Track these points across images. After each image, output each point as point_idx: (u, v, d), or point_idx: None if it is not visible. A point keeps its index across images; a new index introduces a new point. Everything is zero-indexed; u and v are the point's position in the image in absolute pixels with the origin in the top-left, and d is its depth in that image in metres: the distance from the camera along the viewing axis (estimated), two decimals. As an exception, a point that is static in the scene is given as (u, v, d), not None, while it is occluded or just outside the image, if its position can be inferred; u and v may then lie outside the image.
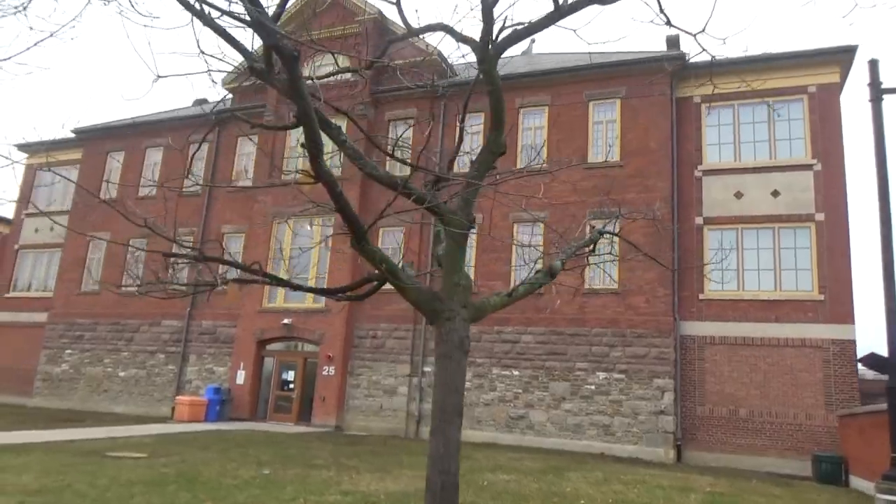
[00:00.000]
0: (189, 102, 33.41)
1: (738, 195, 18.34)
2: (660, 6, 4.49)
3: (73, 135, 27.88)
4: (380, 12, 22.62)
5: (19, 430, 14.31)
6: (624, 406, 17.40)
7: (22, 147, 29.99)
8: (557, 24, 4.64)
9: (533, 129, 20.67)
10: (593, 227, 6.97)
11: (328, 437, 16.52)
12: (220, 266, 6.24)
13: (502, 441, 18.04)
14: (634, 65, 19.46)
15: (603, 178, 19.17)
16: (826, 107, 18.07)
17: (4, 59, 7.74)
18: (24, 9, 5.36)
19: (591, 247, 6.27)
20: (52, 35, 7.72)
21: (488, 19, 4.53)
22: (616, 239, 8.13)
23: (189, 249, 5.18)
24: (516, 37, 4.76)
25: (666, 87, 19.22)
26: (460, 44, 4.85)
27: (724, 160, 18.85)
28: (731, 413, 17.03)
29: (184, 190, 25.27)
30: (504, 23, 4.72)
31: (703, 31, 4.54)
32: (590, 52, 22.45)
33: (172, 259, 5.32)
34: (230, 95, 26.69)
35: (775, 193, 18.00)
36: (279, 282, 5.37)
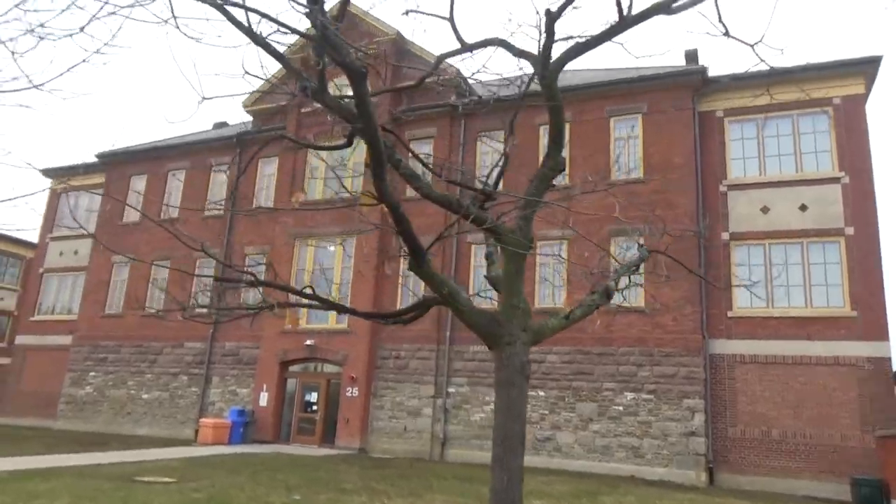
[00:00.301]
0: (209, 125, 33.80)
1: (765, 210, 18.07)
2: (719, 16, 4.40)
3: (96, 159, 28.31)
4: (398, 33, 22.75)
5: (46, 454, 14.30)
6: (653, 427, 17.05)
7: (46, 172, 30.49)
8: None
9: (554, 146, 20.56)
10: (641, 245, 6.78)
11: (354, 460, 16.34)
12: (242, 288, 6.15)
13: (528, 463, 17.53)
14: (656, 80, 19.34)
15: (626, 194, 18.98)
16: (852, 118, 17.81)
17: (39, 85, 7.83)
18: (83, 29, 5.32)
19: (639, 266, 6.15)
20: (84, 61, 7.79)
21: (550, 33, 4.45)
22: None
23: (245, 274, 5.11)
24: (577, 50, 4.67)
25: (688, 101, 19.10)
26: (519, 59, 4.77)
27: (749, 174, 18.62)
28: (763, 434, 16.61)
29: (206, 212, 25.54)
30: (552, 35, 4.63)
31: (761, 41, 4.43)
32: (607, 68, 22.41)
33: (223, 283, 5.25)
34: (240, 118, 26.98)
35: (803, 207, 17.71)
36: (330, 305, 5.27)
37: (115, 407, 24.60)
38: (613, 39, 4.53)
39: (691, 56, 23.00)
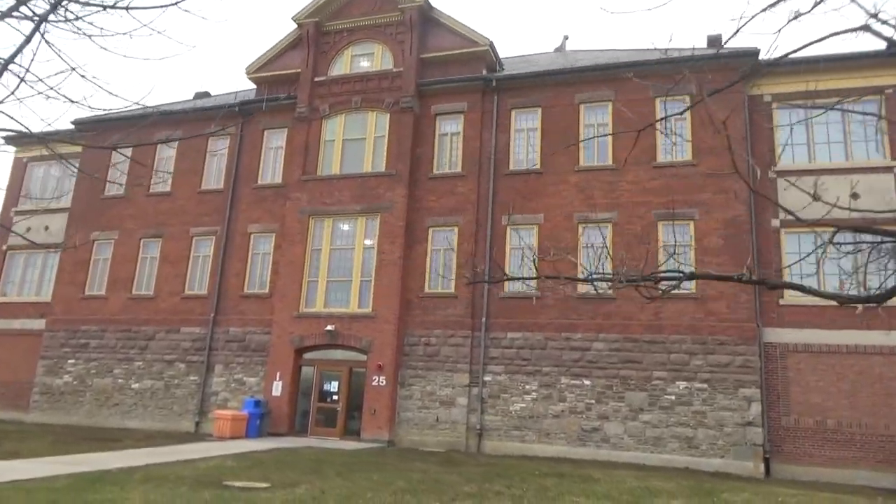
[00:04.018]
0: (191, 95, 31.39)
1: (816, 197, 17.69)
2: None
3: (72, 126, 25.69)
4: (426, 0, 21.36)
5: (66, 454, 12.49)
6: (708, 417, 16.50)
7: (10, 140, 27.57)
8: None
9: (595, 125, 19.72)
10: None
11: (409, 455, 15.05)
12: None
13: (575, 455, 16.92)
14: (705, 60, 18.66)
15: (673, 178, 18.44)
16: (903, 107, 17.65)
17: (179, 2, 6.26)
18: None
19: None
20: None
21: None
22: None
23: None
24: None
25: (739, 83, 18.53)
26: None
27: (798, 161, 18.28)
28: (818, 424, 16.32)
29: (202, 186, 23.58)
30: None
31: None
32: (644, 48, 21.60)
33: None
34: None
35: (854, 196, 17.39)
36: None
37: (99, 397, 22.42)
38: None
39: (714, 41, 22.54)
